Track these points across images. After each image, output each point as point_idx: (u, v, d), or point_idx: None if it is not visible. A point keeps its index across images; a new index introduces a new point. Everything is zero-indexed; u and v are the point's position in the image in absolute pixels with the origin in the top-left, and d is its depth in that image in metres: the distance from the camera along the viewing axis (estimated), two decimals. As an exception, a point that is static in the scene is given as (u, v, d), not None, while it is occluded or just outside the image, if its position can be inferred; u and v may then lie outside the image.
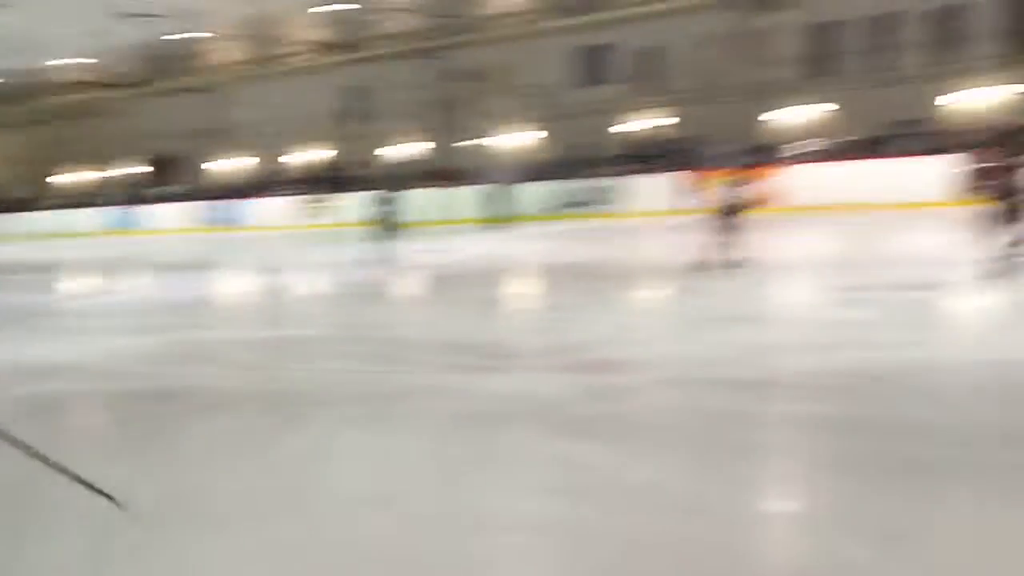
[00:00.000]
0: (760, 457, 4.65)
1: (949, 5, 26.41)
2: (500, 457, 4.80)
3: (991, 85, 25.98)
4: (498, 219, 24.43)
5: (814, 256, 14.57)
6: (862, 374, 6.14)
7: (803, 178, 23.06)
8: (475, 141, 32.79)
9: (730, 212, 12.15)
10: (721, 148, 26.21)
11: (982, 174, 9.87)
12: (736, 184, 12.32)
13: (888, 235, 16.18)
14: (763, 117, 29.42)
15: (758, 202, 12.40)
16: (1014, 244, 9.69)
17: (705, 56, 29.69)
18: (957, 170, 10.65)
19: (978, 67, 25.88)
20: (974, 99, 26.19)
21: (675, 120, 30.77)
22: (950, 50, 26.64)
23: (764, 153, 26.39)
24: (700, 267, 11.74)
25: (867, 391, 5.75)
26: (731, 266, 11.70)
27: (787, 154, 25.24)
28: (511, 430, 5.22)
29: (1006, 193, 9.78)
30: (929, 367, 6.38)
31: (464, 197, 26.42)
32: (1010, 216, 9.77)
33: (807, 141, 26.33)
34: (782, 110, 29.13)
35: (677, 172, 25.20)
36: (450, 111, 34.12)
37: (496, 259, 17.06)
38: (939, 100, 26.51)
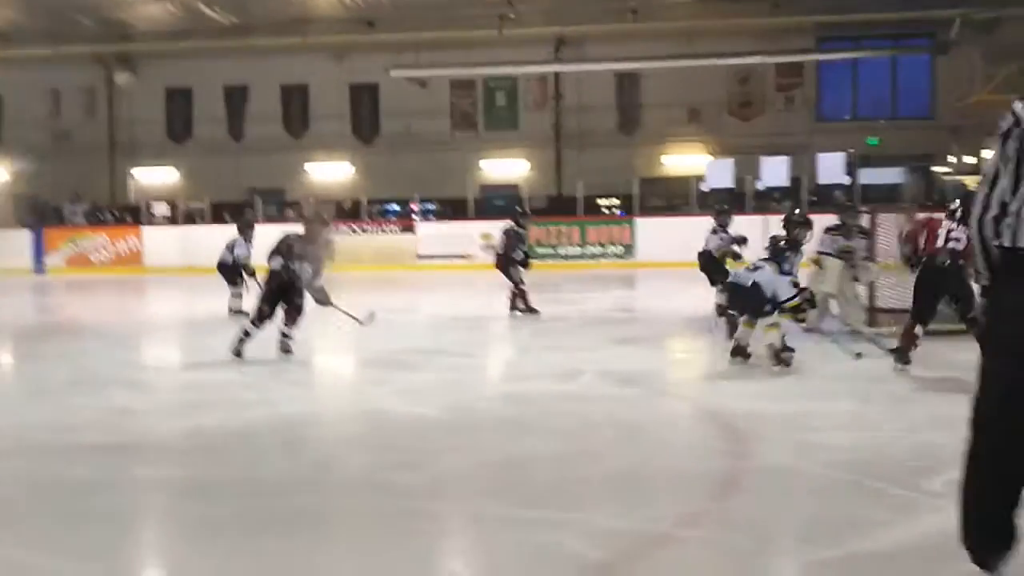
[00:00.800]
0: (122, 526, 4.54)
1: (297, 84, 28.13)
2: None
3: (338, 160, 28.15)
4: None
5: (173, 317, 14.53)
6: (230, 433, 6.27)
7: (154, 240, 23.29)
8: None
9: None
10: (75, 207, 25.24)
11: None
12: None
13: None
14: (122, 176, 28.69)
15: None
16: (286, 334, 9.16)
17: (55, 109, 28.35)
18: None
19: (327, 143, 27.87)
20: (324, 172, 28.15)
21: (17, 173, 28.75)
22: (302, 125, 28.35)
23: (128, 213, 26.01)
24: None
25: (235, 450, 5.88)
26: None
27: (157, 215, 25.23)
28: None
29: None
30: (298, 422, 6.68)
31: None
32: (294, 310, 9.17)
33: (164, 203, 26.37)
34: (142, 170, 28.65)
35: (34, 229, 23.86)
36: None
37: None
38: (294, 170, 28.00)
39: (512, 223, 12.89)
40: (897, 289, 10.39)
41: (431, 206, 25.76)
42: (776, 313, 8.25)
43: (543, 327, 11.59)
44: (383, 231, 23.44)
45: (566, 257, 21.28)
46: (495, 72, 26.72)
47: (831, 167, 23.45)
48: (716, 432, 6.36)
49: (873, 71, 26.41)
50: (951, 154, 25.07)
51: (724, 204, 12.61)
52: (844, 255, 10.26)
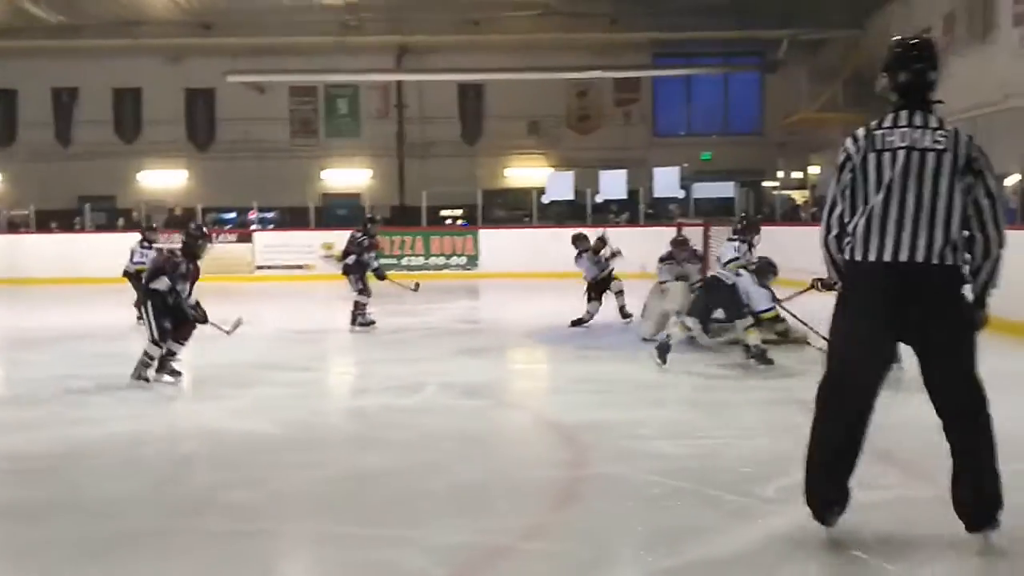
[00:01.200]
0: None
1: (129, 88, 27.13)
2: None
3: (172, 167, 27.32)
4: None
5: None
6: (56, 454, 5.98)
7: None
8: None
9: None
10: None
11: None
12: None
13: (66, 308, 15.84)
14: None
15: None
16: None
17: None
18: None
19: (160, 149, 26.99)
20: (157, 179, 27.28)
21: None
22: (134, 130, 27.35)
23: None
24: None
25: (61, 471, 5.61)
26: None
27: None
28: None
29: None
30: (130, 441, 6.41)
31: None
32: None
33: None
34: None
35: None
36: None
37: None
38: (126, 177, 27.03)
39: (358, 231, 12.67)
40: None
41: (270, 215, 25.24)
42: (753, 322, 8.65)
43: (386, 339, 11.48)
44: (219, 240, 22.80)
45: (409, 268, 21.15)
46: (336, 79, 26.45)
47: (667, 181, 24.11)
48: (557, 442, 6.42)
49: (706, 88, 27.37)
50: (778, 169, 26.18)
51: (580, 234, 12.72)
52: (681, 279, 10.70)
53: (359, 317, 12.05)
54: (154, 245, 12.73)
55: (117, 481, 5.39)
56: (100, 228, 23.96)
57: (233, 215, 25.11)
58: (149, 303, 8.33)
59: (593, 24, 23.59)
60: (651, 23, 23.59)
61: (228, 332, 8.71)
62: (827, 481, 4.04)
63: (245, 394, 7.96)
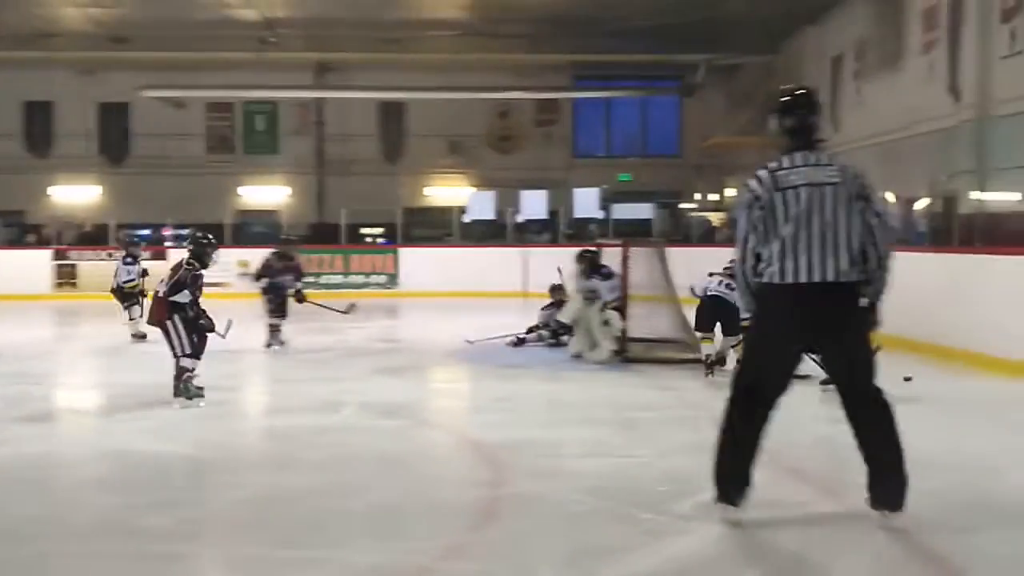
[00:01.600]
0: None
1: (40, 101, 26.55)
2: None
3: (84, 182, 26.73)
4: None
5: None
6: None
7: None
8: None
9: None
10: None
11: None
12: None
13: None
14: None
15: None
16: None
17: None
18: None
19: (72, 164, 26.40)
20: (69, 194, 26.67)
21: None
22: (45, 144, 26.75)
23: None
24: None
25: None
26: None
27: None
28: None
29: None
30: (37, 463, 6.25)
31: None
32: None
33: None
34: None
35: None
36: None
37: None
38: (37, 192, 26.38)
39: (275, 251, 12.48)
40: (648, 320, 10.95)
41: (185, 232, 24.79)
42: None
43: (304, 359, 11.35)
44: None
45: (328, 286, 20.95)
46: (254, 95, 26.19)
47: (587, 201, 24.33)
48: (476, 462, 6.41)
49: (626, 110, 27.71)
50: (696, 191, 26.60)
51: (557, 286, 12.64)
52: (589, 295, 10.73)
53: (272, 338, 11.91)
54: (139, 260, 13.18)
55: (25, 503, 5.25)
56: (10, 244, 23.37)
57: (147, 232, 24.59)
58: (176, 317, 8.08)
59: (513, 45, 23.71)
60: (571, 45, 23.79)
61: (223, 336, 8.51)
62: (734, 466, 4.57)
63: (159, 414, 7.78)
